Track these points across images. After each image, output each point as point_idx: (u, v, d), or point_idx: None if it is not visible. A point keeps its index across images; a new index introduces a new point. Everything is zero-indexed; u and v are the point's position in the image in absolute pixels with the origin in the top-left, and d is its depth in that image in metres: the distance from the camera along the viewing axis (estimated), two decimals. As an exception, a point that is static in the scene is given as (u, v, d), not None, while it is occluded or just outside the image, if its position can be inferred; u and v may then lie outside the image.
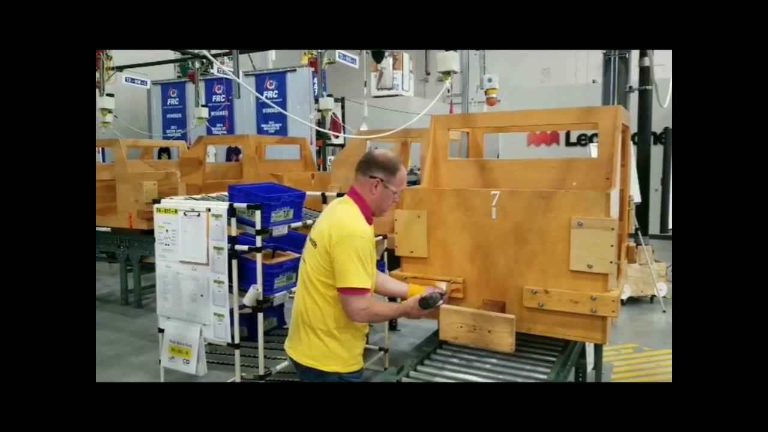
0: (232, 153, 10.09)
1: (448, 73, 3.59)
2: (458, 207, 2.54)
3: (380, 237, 3.93)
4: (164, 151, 10.11)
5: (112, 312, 5.86)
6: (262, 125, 10.47)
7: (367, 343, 4.22)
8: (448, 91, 3.37)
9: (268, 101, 4.02)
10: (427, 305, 2.16)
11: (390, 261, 3.90)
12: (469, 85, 5.53)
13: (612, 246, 2.17)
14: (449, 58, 3.61)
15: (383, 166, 2.17)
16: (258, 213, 3.24)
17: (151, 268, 6.42)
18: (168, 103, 12.01)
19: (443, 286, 2.45)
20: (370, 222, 2.18)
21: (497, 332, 2.23)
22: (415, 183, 5.95)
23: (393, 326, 4.90)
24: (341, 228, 2.07)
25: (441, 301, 2.27)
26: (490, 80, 5.08)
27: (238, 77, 5.75)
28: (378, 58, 3.27)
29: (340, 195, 3.14)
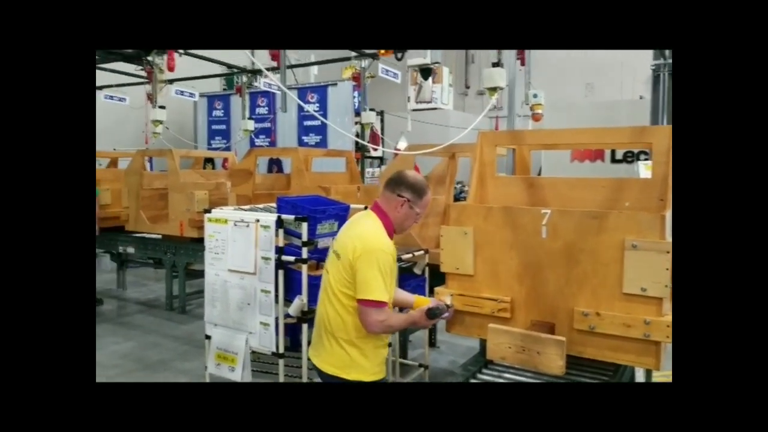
0: (273, 164, 10.31)
1: (494, 90, 3.59)
2: (506, 225, 2.53)
3: (422, 251, 3.94)
4: (209, 161, 10.42)
5: (157, 317, 6.04)
6: (303, 137, 10.67)
7: (405, 358, 4.26)
8: (495, 107, 3.36)
9: (320, 117, 4.11)
10: (433, 316, 2.26)
11: (432, 276, 3.89)
12: (514, 100, 5.50)
13: (667, 269, 2.11)
14: (496, 75, 3.60)
15: (412, 187, 2.24)
16: (305, 225, 3.29)
17: (195, 274, 6.62)
18: (213, 115, 12.39)
19: (448, 299, 2.55)
20: (390, 237, 2.25)
21: (547, 354, 2.20)
22: (458, 198, 5.94)
23: (432, 343, 4.88)
24: (365, 241, 2.13)
25: (447, 314, 2.37)
26: (535, 96, 5.05)
27: (286, 90, 5.88)
28: (426, 75, 3.30)
29: (366, 209, 3.20)
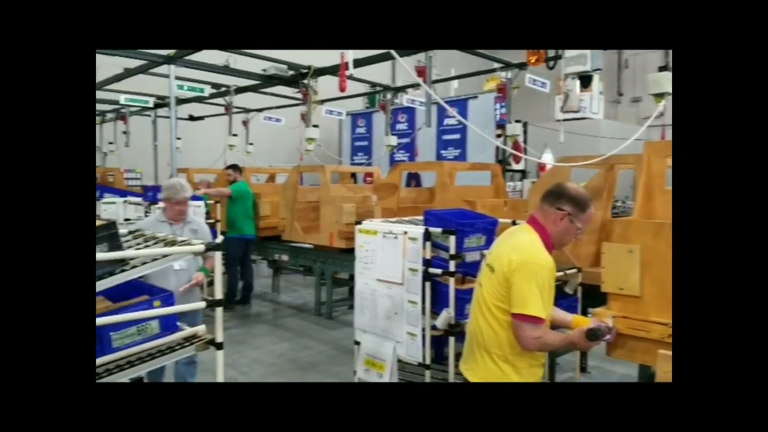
0: (412, 179, 10.54)
1: (661, 96, 3.28)
2: (680, 243, 2.29)
3: (575, 269, 3.73)
4: (351, 176, 11.00)
5: (306, 321, 6.47)
6: (442, 151, 10.77)
7: (553, 381, 4.04)
8: (662, 114, 3.05)
9: (479, 130, 4.11)
10: (594, 337, 2.08)
11: (585, 297, 3.66)
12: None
13: None
14: (662, 79, 3.30)
15: (574, 200, 2.11)
16: (452, 238, 3.30)
17: (340, 283, 7.00)
18: (356, 132, 13.08)
19: (609, 320, 2.38)
20: (549, 252, 2.14)
21: (733, 389, 1.94)
22: (617, 215, 5.53)
23: (583, 368, 4.57)
24: (523, 254, 2.05)
25: (608, 336, 2.18)
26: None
27: (430, 106, 6.00)
28: (586, 82, 3.13)
29: (514, 223, 3.07)
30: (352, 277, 6.84)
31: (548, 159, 6.98)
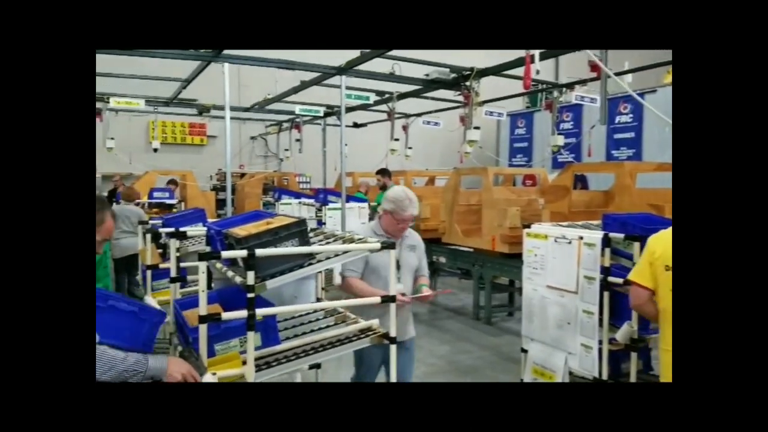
0: (578, 181, 9.89)
1: None
2: None
3: None
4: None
5: (464, 324, 6.43)
6: (612, 151, 9.95)
7: None
8: None
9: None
10: None
11: None
12: None
13: None
14: None
15: None
16: (636, 245, 3.01)
17: (499, 288, 6.82)
18: (515, 133, 12.71)
19: None
20: None
21: None
22: None
23: None
24: None
25: None
26: None
27: (606, 103, 5.57)
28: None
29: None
30: (512, 283, 6.63)
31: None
